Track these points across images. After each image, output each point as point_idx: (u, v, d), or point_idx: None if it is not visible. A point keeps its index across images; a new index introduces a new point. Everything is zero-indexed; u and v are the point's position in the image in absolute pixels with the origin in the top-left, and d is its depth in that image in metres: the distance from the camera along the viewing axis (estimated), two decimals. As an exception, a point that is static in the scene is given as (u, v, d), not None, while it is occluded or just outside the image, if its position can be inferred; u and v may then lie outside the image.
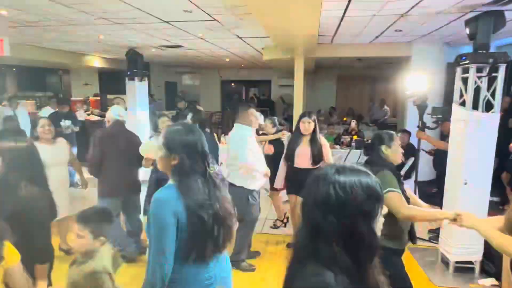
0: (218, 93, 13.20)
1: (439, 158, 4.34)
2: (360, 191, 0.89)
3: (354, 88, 11.58)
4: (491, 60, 3.02)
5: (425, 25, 4.26)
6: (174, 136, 1.46)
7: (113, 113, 3.30)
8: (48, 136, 3.19)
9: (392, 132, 2.26)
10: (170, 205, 1.37)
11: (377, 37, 5.23)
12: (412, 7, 3.38)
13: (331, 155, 3.71)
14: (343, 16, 3.83)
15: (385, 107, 9.60)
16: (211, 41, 5.94)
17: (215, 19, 4.12)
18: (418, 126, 4.09)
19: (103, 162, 3.11)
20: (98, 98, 10.57)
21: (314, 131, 3.51)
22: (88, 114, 8.81)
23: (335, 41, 5.72)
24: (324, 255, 0.88)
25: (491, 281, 3.09)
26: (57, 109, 5.91)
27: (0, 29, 3.81)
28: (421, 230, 4.02)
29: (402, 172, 4.85)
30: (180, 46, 6.40)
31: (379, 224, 0.94)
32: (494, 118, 3.12)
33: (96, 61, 8.73)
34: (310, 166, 3.45)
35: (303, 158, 3.49)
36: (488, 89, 3.15)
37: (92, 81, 11.17)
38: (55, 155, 3.15)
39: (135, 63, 6.23)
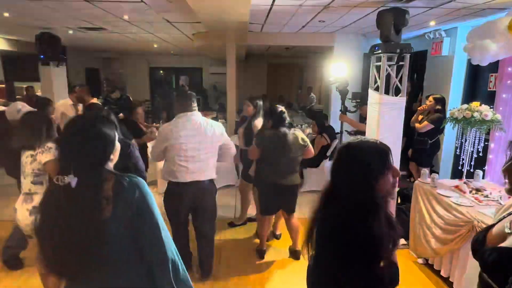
0: (147, 81, 12.59)
1: (359, 139, 4.84)
2: None
3: (283, 76, 12.06)
4: (398, 50, 3.46)
5: (345, 17, 4.65)
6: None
7: None
8: None
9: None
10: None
11: (303, 26, 5.53)
12: (332, 0, 3.67)
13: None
14: (272, 5, 3.97)
15: (312, 94, 10.23)
16: (137, 25, 5.63)
17: (142, 1, 3.93)
18: (340, 110, 4.50)
19: None
20: (2, 86, 9.26)
21: (254, 115, 3.78)
22: (-8, 105, 7.70)
23: (265, 30, 5.90)
24: None
25: (401, 241, 3.62)
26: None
27: None
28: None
29: (328, 153, 5.29)
30: (103, 28, 5.94)
31: None
32: (402, 101, 3.61)
33: (-1, 43, 7.61)
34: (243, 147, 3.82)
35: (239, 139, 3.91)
36: (396, 76, 3.61)
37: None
38: None
39: (49, 46, 5.59)
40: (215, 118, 7.07)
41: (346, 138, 5.13)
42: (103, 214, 1.17)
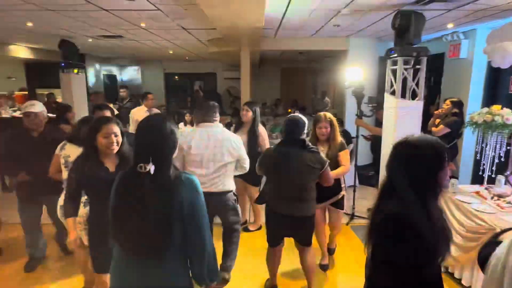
0: (162, 86, 12.79)
1: (375, 143, 4.78)
2: None
3: (297, 81, 12.04)
4: (415, 54, 3.41)
5: (360, 21, 4.62)
6: None
7: None
8: None
9: None
10: None
11: (317, 31, 5.52)
12: (348, 4, 3.65)
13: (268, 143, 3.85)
14: (286, 10, 3.99)
15: (326, 98, 10.16)
16: (154, 32, 5.74)
17: (158, 9, 4.01)
18: (356, 115, 4.45)
19: None
20: (26, 92, 9.60)
21: (254, 120, 3.69)
22: (15, 111, 7.99)
23: (279, 35, 5.91)
24: None
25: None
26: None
27: None
28: (364, 211, 4.41)
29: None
30: (120, 36, 6.08)
31: None
32: (419, 105, 3.55)
33: (23, 52, 7.90)
34: None
35: None
36: (413, 80, 3.56)
37: (18, 73, 10.07)
38: None
39: (69, 54, 5.81)
40: (229, 123, 7.11)
41: (362, 143, 5.07)
42: (170, 198, 1.39)
